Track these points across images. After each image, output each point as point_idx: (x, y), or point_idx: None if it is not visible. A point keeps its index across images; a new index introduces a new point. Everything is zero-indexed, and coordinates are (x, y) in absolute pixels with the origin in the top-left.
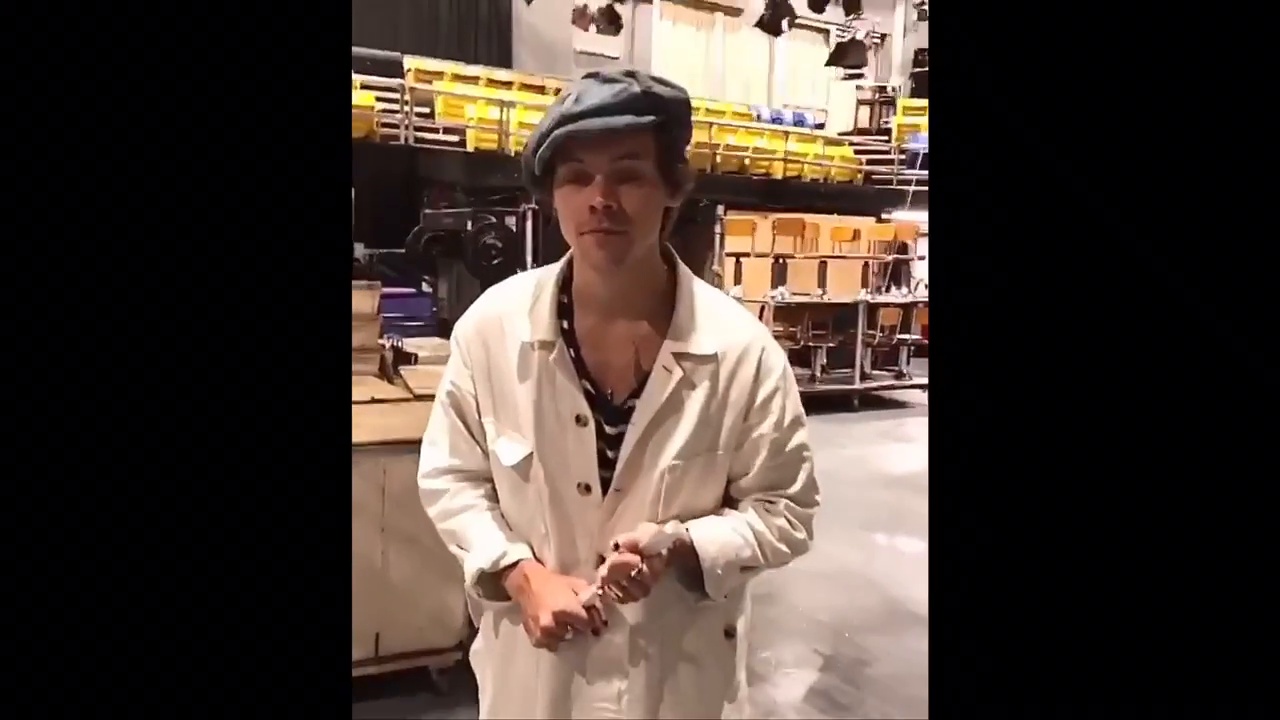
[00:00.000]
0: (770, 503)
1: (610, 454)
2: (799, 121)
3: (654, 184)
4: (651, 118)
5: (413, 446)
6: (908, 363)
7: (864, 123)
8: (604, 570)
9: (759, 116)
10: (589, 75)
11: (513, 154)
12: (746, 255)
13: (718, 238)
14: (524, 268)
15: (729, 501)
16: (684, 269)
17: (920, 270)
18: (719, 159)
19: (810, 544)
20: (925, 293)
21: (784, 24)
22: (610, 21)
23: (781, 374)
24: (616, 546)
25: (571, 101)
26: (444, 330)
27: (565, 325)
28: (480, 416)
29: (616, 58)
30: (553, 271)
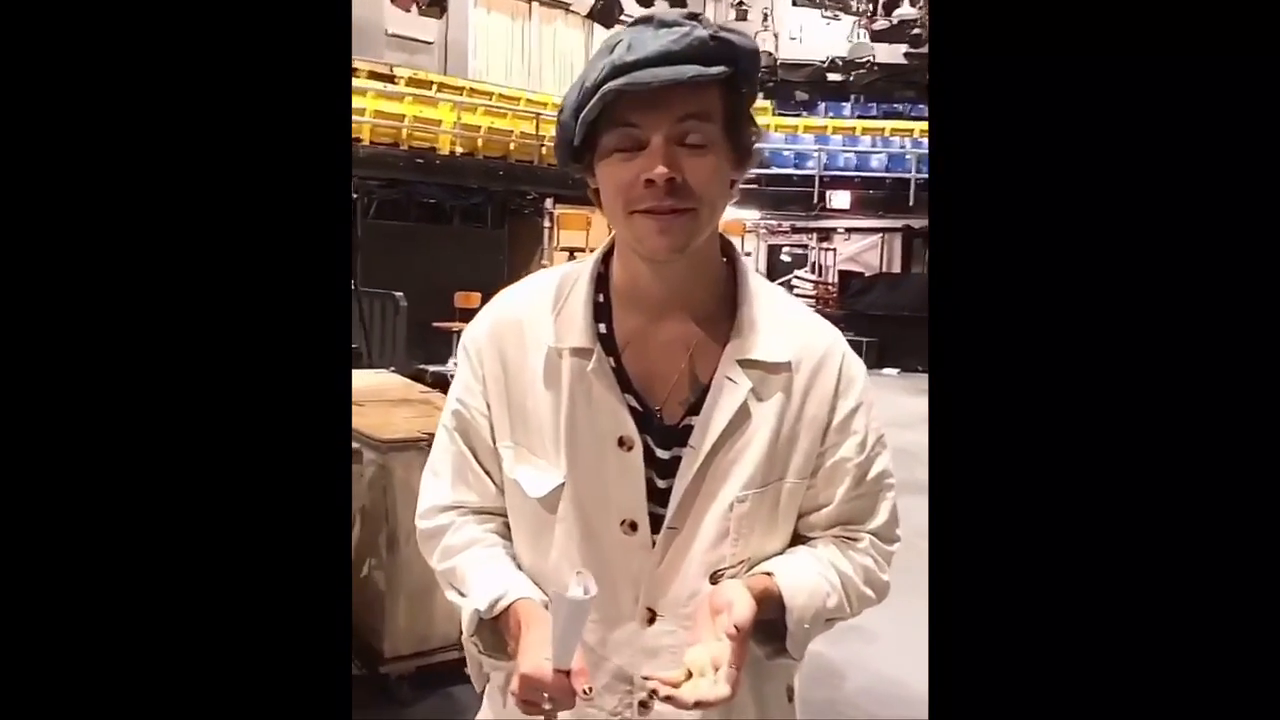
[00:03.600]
0: (851, 539)
1: (662, 484)
2: None
3: (722, 151)
4: (721, 68)
5: None
6: None
7: None
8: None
9: None
10: (641, 20)
11: None
12: (582, 250)
13: (546, 232)
14: None
15: (795, 539)
16: (744, 260)
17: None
18: (545, 151)
19: (889, 587)
20: None
21: (615, 14)
22: (434, 2)
23: (864, 387)
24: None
25: (623, 49)
26: None
27: (603, 329)
28: (495, 442)
29: (430, 42)
30: (584, 266)
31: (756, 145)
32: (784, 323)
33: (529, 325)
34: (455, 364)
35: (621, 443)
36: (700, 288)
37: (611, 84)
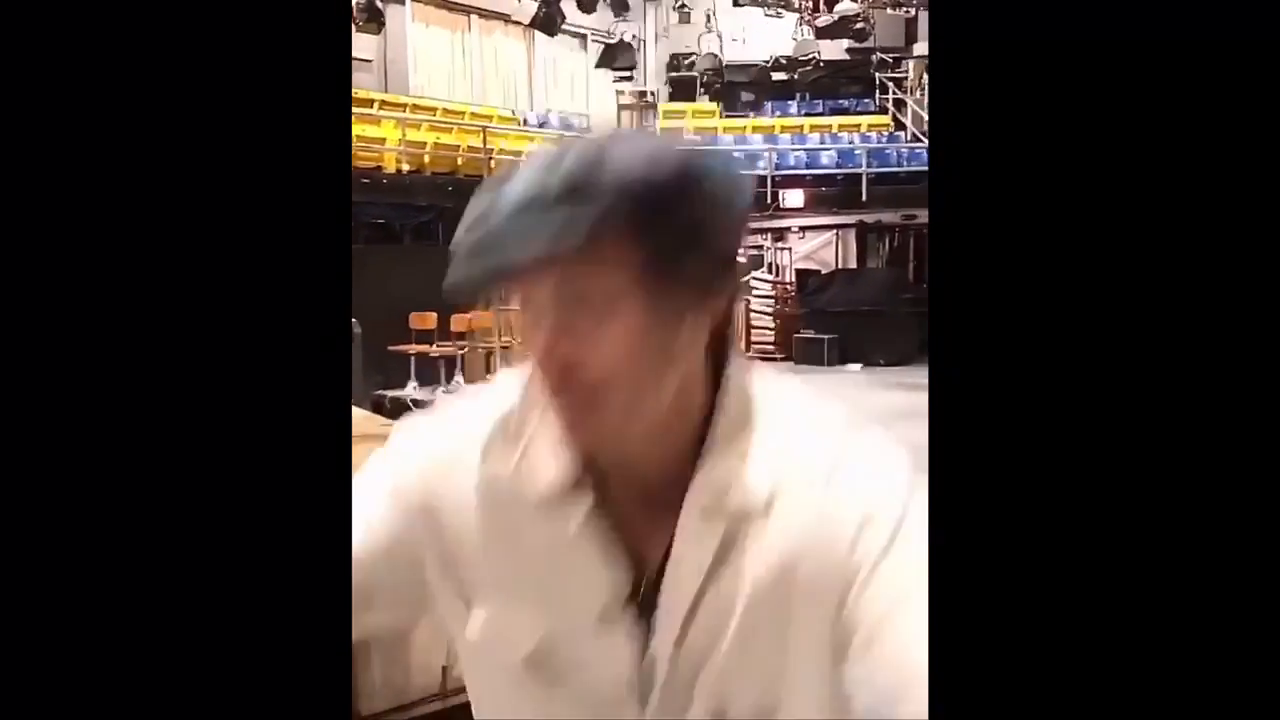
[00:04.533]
0: None
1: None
2: (567, 126)
3: (638, 309)
4: (607, 204)
5: None
6: None
7: (627, 126)
8: None
9: (526, 121)
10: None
11: None
12: None
13: None
14: None
15: None
16: (739, 362)
17: None
18: (493, 164)
19: None
20: None
21: (558, 23)
22: (372, 18)
23: (903, 503)
24: None
25: (486, 208)
26: None
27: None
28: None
29: (370, 60)
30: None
31: (718, 272)
32: (772, 437)
33: (474, 459)
34: (411, 393)
35: (604, 617)
36: (661, 448)
37: (454, 279)
